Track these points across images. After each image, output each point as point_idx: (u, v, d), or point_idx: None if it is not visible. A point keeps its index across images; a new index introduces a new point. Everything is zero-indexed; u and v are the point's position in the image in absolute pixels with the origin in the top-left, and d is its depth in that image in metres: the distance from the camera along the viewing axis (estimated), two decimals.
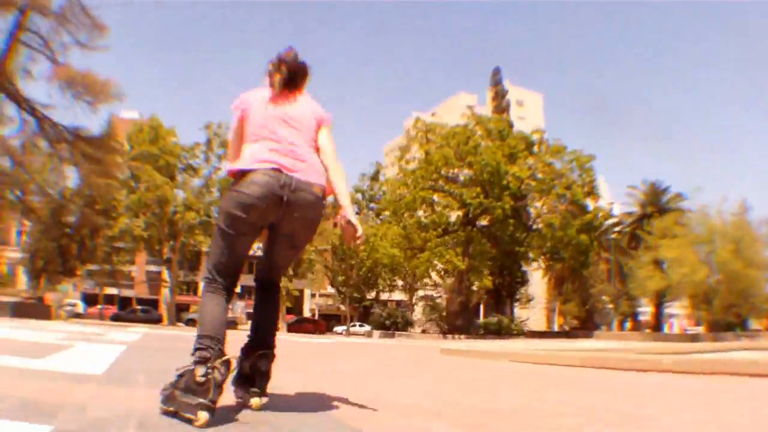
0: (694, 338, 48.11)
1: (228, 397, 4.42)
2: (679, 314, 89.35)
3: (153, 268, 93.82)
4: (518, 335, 60.52)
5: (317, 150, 4.73)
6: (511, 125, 70.09)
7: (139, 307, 77.57)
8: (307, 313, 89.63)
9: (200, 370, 4.04)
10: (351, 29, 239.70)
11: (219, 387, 4.05)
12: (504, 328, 62.61)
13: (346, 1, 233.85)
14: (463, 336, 56.33)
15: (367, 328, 76.03)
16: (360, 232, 4.66)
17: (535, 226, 67.74)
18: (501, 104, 78.42)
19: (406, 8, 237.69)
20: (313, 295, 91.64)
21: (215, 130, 67.23)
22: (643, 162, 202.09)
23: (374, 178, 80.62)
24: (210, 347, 4.18)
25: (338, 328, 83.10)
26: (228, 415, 4.21)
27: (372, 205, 79.26)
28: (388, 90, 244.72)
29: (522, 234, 67.45)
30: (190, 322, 68.39)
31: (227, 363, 4.22)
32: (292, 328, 71.39)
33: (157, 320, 70.75)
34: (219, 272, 4.54)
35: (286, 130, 4.60)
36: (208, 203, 66.72)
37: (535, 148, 67.21)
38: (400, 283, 79.33)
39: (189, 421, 3.87)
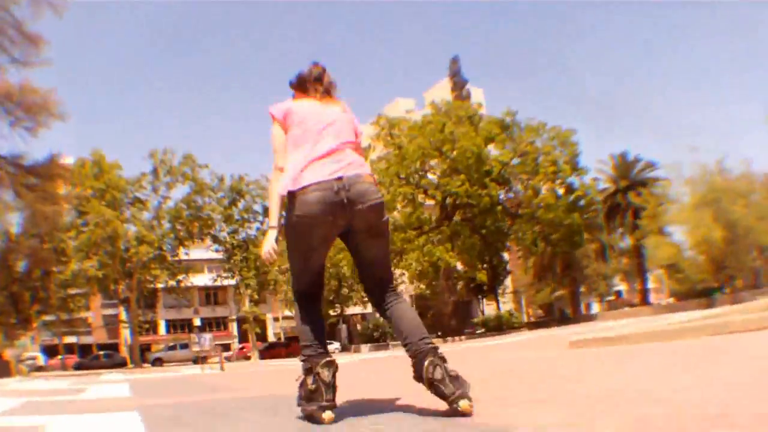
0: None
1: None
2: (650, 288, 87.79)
3: (109, 311, 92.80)
4: (519, 328, 60.47)
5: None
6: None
7: (101, 353, 77.65)
8: (271, 338, 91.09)
9: (309, 380, 4.73)
10: (274, 40, 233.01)
11: (330, 386, 4.70)
12: (505, 323, 62.03)
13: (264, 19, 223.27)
14: (462, 337, 55.54)
15: (336, 345, 76.22)
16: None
17: (521, 212, 64.94)
18: (461, 94, 76.67)
19: (336, 17, 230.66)
20: (276, 319, 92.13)
21: (161, 157, 65.83)
22: (598, 140, 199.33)
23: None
24: (311, 356, 4.81)
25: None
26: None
27: None
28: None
29: (506, 222, 66.47)
30: (157, 362, 70.50)
31: (329, 363, 4.77)
32: (264, 354, 69.71)
33: (122, 364, 71.25)
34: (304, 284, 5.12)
35: (327, 132, 5.05)
36: (161, 235, 65.69)
37: (514, 130, 64.54)
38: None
39: (320, 422, 4.59)
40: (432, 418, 4.40)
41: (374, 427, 4.30)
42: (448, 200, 61.46)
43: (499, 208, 62.96)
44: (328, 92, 5.28)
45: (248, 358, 68.28)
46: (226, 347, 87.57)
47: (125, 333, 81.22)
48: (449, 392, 4.38)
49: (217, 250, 70.62)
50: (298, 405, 4.88)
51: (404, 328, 4.82)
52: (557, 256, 71.15)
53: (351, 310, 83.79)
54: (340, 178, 4.66)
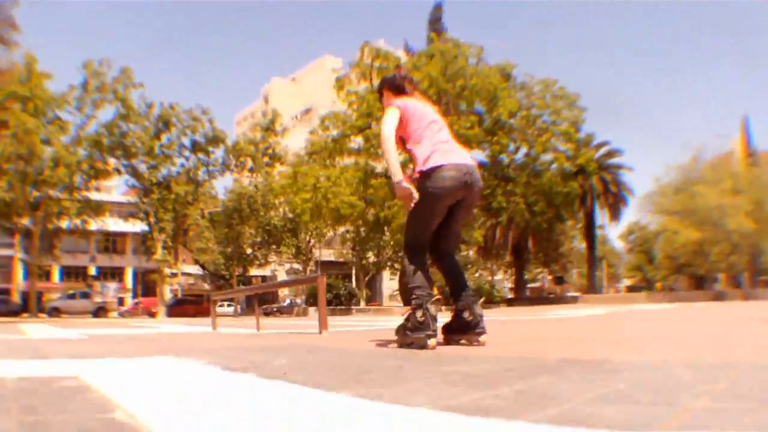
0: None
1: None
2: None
3: (3, 252, 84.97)
4: (500, 303, 58.57)
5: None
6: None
7: None
8: (168, 295, 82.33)
9: (419, 313, 6.36)
10: None
11: (435, 320, 6.32)
12: (485, 294, 57.64)
13: None
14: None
15: (232, 308, 75.01)
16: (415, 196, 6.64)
17: (513, 174, 61.43)
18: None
19: None
20: (173, 275, 76.70)
21: (95, 68, 60.47)
22: None
23: (268, 128, 74.09)
24: (422, 295, 6.49)
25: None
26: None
27: (267, 160, 73.93)
28: (242, 56, 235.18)
29: (494, 182, 60.66)
30: (54, 312, 64.51)
31: (438, 301, 6.55)
32: (172, 311, 67.45)
33: (16, 312, 65.41)
34: (422, 241, 6.97)
35: (443, 131, 7.05)
36: (77, 162, 60.14)
37: (516, 83, 60.62)
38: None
39: (423, 348, 6.17)
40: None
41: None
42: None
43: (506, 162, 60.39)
44: (418, 91, 7.55)
45: (153, 314, 66.68)
46: (121, 301, 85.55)
47: (19, 277, 72.63)
48: (483, 326, 6.69)
49: (133, 186, 68.76)
50: (399, 335, 6.76)
51: (455, 281, 6.93)
52: (529, 230, 67.35)
53: (254, 271, 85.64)
54: (467, 165, 6.70)
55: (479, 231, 60.39)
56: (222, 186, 77.23)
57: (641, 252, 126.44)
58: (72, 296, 70.56)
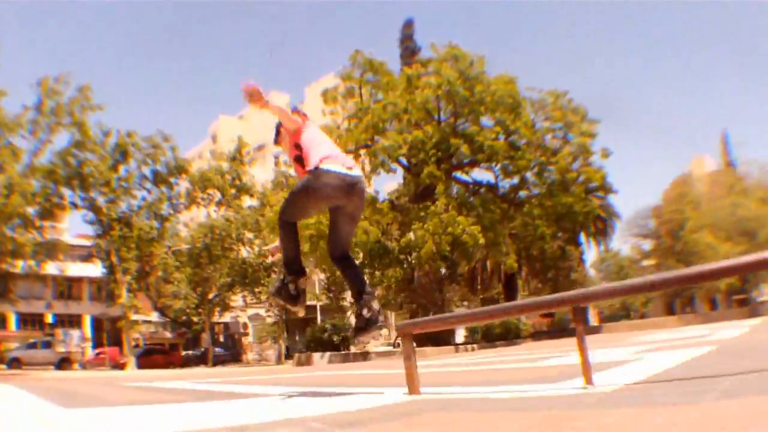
0: None
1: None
2: None
3: None
4: (526, 338, 53.10)
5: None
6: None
7: None
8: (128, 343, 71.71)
9: (292, 287, 7.46)
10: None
11: (304, 292, 7.56)
12: (512, 332, 52.65)
13: None
14: (474, 347, 45.01)
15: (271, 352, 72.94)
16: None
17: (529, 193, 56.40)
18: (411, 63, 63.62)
19: None
20: (135, 322, 71.65)
21: (51, 87, 54.18)
22: None
23: (235, 158, 70.40)
24: (295, 270, 7.53)
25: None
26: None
27: (234, 192, 69.91)
28: (186, 95, 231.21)
29: (502, 205, 53.90)
30: (15, 363, 59.26)
31: (306, 275, 7.66)
32: (142, 361, 61.86)
33: None
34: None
35: (330, 143, 7.84)
36: (32, 194, 53.63)
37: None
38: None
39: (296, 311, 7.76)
40: None
41: None
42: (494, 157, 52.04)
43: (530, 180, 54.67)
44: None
45: (122, 366, 60.37)
46: (82, 352, 74.22)
47: None
48: (382, 321, 7.30)
49: (91, 222, 62.10)
50: (273, 291, 7.65)
51: (355, 283, 7.52)
52: (542, 252, 62.25)
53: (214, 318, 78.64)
54: (353, 174, 7.20)
55: (512, 257, 52.94)
56: (184, 222, 71.04)
57: (616, 280, 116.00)
58: (33, 345, 64.90)
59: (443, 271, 53.50)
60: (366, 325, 7.24)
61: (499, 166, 52.98)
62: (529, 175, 54.25)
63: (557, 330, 67.45)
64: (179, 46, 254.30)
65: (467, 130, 51.11)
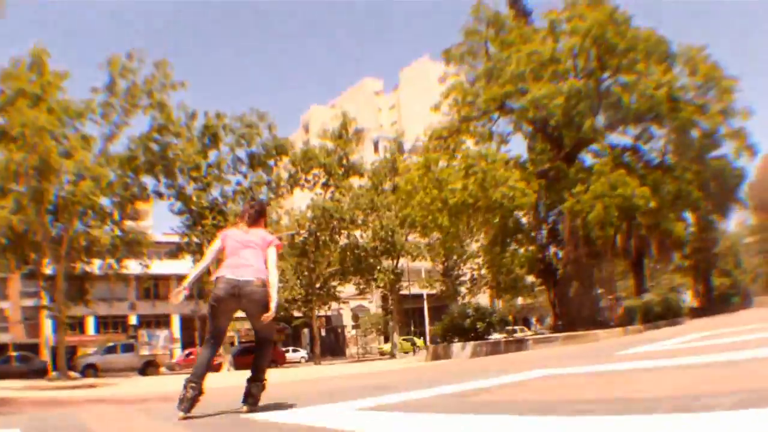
0: None
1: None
2: None
3: (30, 302, 74.08)
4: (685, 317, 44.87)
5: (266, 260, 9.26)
6: None
7: (14, 354, 58.02)
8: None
9: (189, 393, 8.48)
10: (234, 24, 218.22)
11: (191, 400, 8.44)
12: (673, 310, 41.90)
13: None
14: (641, 327, 35.31)
15: (301, 352, 70.63)
16: (269, 313, 8.75)
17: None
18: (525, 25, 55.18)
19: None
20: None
21: (124, 65, 47.83)
22: None
23: (341, 136, 64.09)
24: (194, 381, 8.51)
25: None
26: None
27: (342, 172, 63.19)
28: (281, 85, 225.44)
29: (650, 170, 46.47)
30: (90, 370, 52.43)
31: (199, 390, 8.58)
32: (239, 361, 53.66)
33: (40, 371, 52.01)
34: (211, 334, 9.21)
35: (245, 249, 9.19)
36: (108, 182, 46.93)
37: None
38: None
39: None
40: None
41: None
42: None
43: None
44: (255, 221, 9.72)
45: (217, 367, 51.79)
46: (170, 353, 73.99)
47: (47, 328, 61.41)
48: (251, 403, 9.07)
49: (179, 212, 56.78)
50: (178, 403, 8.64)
51: (253, 362, 9.43)
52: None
53: (318, 311, 71.51)
54: (237, 280, 8.77)
55: (681, 224, 46.18)
56: (285, 210, 65.72)
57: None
58: (111, 350, 56.98)
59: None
60: (254, 405, 9.14)
61: (663, 121, 43.42)
62: (695, 134, 46.61)
63: (709, 309, 61.47)
64: (267, 34, 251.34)
65: (625, 78, 41.15)
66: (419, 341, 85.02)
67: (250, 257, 9.19)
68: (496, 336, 34.09)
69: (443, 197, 38.37)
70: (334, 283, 67.05)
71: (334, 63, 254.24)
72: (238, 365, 53.18)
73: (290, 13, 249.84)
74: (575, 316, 40.33)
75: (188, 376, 8.62)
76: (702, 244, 64.61)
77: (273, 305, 8.89)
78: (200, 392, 8.59)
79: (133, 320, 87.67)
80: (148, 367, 54.71)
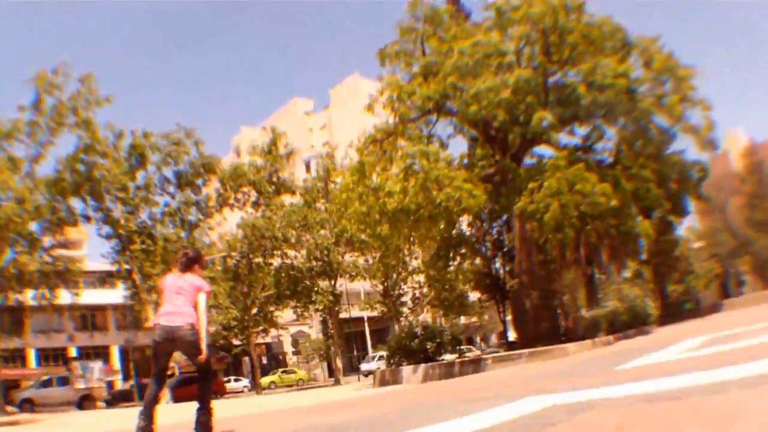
0: None
1: None
2: None
3: None
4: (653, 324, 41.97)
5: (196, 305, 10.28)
6: None
7: None
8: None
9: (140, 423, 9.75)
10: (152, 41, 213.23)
11: (143, 429, 9.60)
12: (640, 318, 38.60)
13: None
14: (565, 345, 29.47)
15: (244, 382, 68.59)
16: (201, 355, 9.88)
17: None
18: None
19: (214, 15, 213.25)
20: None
21: (50, 81, 45.23)
22: None
23: (270, 151, 60.39)
24: (144, 422, 9.72)
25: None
26: None
27: (273, 189, 59.87)
28: (210, 108, 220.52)
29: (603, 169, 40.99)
30: (26, 404, 49.80)
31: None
32: (178, 393, 49.60)
33: None
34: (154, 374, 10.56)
35: (175, 297, 10.17)
36: (35, 207, 43.79)
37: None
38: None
39: None
40: None
41: None
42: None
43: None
44: (187, 268, 10.54)
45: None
46: (111, 385, 72.62)
47: None
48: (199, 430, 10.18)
49: (108, 236, 52.31)
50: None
51: (197, 392, 10.33)
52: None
53: (256, 339, 69.16)
54: (170, 326, 9.80)
55: (646, 223, 39.32)
56: (217, 232, 62.95)
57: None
58: (47, 383, 54.46)
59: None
60: (208, 430, 10.16)
61: (617, 116, 38.75)
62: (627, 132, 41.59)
63: (670, 315, 58.45)
64: (194, 53, 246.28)
65: (577, 70, 37.14)
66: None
67: (181, 304, 10.07)
68: (448, 357, 30.27)
69: (381, 204, 33.61)
70: (270, 308, 63.23)
71: (264, 84, 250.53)
72: (176, 398, 49.35)
73: (216, 32, 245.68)
74: (534, 331, 35.64)
75: (141, 408, 9.87)
76: (660, 247, 61.75)
77: (203, 346, 9.85)
78: (151, 422, 9.66)
79: (73, 352, 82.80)
80: (85, 401, 52.00)
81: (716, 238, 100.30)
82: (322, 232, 58.84)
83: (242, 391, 64.67)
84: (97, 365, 56.39)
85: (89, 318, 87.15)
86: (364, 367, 70.28)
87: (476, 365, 26.51)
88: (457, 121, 39.89)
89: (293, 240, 59.21)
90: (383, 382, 29.02)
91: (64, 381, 54.39)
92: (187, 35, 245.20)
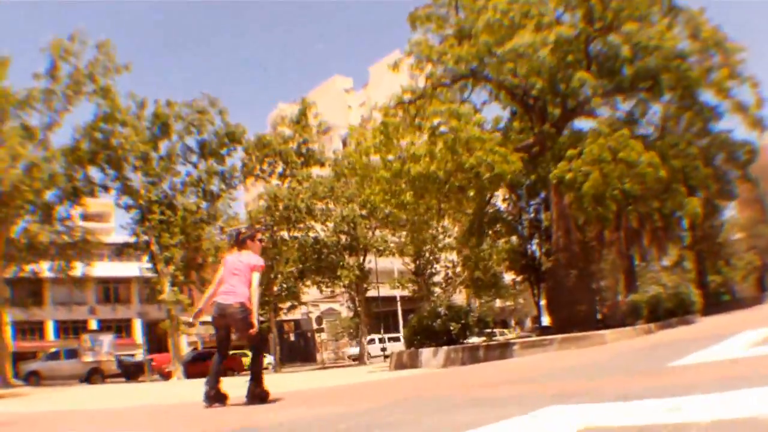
0: None
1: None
2: None
3: None
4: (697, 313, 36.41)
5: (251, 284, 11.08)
6: None
7: None
8: (185, 348, 69.78)
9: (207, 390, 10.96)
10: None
11: (206, 395, 10.77)
12: (683, 307, 33.99)
13: None
14: (603, 332, 25.51)
15: (268, 359, 58.88)
16: (253, 329, 10.71)
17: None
18: None
19: None
20: (190, 324, 60.08)
21: (65, 48, 43.92)
22: None
23: (299, 122, 57.45)
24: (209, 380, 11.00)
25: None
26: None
27: (301, 161, 56.62)
28: (248, 82, 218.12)
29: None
30: (33, 377, 48.92)
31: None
32: (192, 369, 47.96)
33: None
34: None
35: (231, 277, 11.04)
36: (48, 176, 43.09)
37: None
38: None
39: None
40: None
41: None
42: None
43: None
44: (241, 246, 11.51)
45: (167, 375, 50.37)
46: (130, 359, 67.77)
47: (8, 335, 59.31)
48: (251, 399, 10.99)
49: (126, 206, 50.55)
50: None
51: (253, 369, 11.31)
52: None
53: (279, 316, 65.50)
54: (221, 303, 10.73)
55: (695, 201, 34.56)
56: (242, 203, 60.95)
57: None
58: (54, 356, 53.25)
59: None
60: (260, 400, 10.80)
61: (662, 88, 33.63)
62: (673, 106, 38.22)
63: (711, 305, 55.24)
64: (232, 31, 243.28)
65: (623, 27, 32.26)
66: None
67: (235, 284, 10.95)
68: (474, 339, 27.10)
69: (405, 170, 29.79)
70: (295, 284, 59.59)
71: (303, 61, 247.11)
72: (189, 373, 47.40)
73: (252, 11, 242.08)
74: (570, 315, 31.33)
75: (207, 377, 11.10)
76: (706, 232, 60.03)
77: (255, 321, 10.65)
78: (216, 389, 10.80)
79: (93, 325, 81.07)
80: (93, 375, 49.86)
81: (756, 230, 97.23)
82: (350, 205, 55.43)
83: (266, 368, 59.41)
84: (107, 338, 54.06)
85: (112, 291, 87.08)
86: (352, 351, 70.00)
87: (503, 350, 23.46)
88: (493, 87, 35.68)
89: (318, 212, 56.55)
90: (400, 365, 26.12)
91: (72, 354, 52.63)
92: (226, 12, 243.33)
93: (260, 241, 12.15)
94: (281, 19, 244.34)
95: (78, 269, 51.56)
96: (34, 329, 73.47)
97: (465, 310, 27.56)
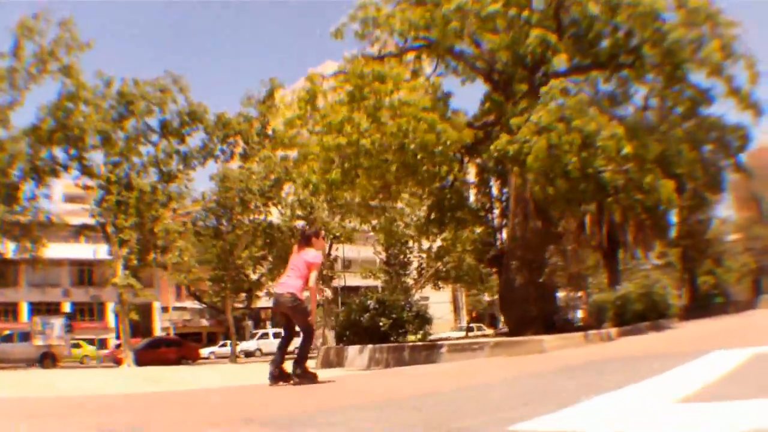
0: None
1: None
2: None
3: None
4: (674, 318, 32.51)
5: (306, 278, 11.79)
6: None
7: None
8: (158, 333, 72.13)
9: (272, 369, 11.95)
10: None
11: (271, 374, 11.65)
12: (657, 310, 29.16)
13: None
14: (543, 338, 20.32)
15: (242, 345, 62.18)
16: (302, 318, 11.75)
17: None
18: None
19: None
20: (164, 309, 78.56)
21: (30, 27, 42.96)
22: None
23: (265, 102, 53.13)
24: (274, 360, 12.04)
25: (206, 350, 66.39)
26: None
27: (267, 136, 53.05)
28: (231, 68, 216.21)
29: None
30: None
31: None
32: (142, 355, 48.58)
33: None
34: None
35: (290, 271, 12.01)
36: (10, 158, 43.59)
37: None
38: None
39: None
40: None
41: None
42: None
43: None
44: (303, 243, 12.16)
45: (119, 361, 49.74)
46: (103, 344, 71.63)
47: None
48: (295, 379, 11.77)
49: (84, 187, 49.07)
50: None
51: (300, 351, 11.81)
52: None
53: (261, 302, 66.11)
54: (276, 292, 12.06)
55: (670, 184, 31.85)
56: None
57: None
58: (8, 338, 51.84)
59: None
60: (303, 378, 11.59)
61: (644, 62, 28.19)
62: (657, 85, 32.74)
63: (698, 307, 51.72)
64: (236, 10, 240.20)
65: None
66: None
67: (291, 276, 11.95)
68: (412, 338, 23.08)
69: (333, 142, 24.10)
70: (250, 271, 57.61)
71: (295, 47, 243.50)
72: (140, 361, 45.60)
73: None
74: (522, 315, 26.58)
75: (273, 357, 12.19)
76: (691, 228, 58.25)
77: (307, 310, 11.80)
78: (280, 369, 11.75)
79: (66, 307, 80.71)
80: (46, 359, 48.36)
81: (752, 232, 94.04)
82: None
83: (238, 357, 57.39)
84: (58, 321, 52.57)
85: (86, 273, 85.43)
86: (244, 346, 66.45)
87: (429, 353, 19.97)
88: (452, 59, 30.29)
89: (273, 195, 53.41)
90: (327, 363, 22.62)
91: (25, 337, 51.27)
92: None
93: (320, 240, 12.75)
94: (286, 3, 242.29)
95: (46, 250, 50.46)
96: (8, 311, 73.17)
97: (400, 303, 23.64)
